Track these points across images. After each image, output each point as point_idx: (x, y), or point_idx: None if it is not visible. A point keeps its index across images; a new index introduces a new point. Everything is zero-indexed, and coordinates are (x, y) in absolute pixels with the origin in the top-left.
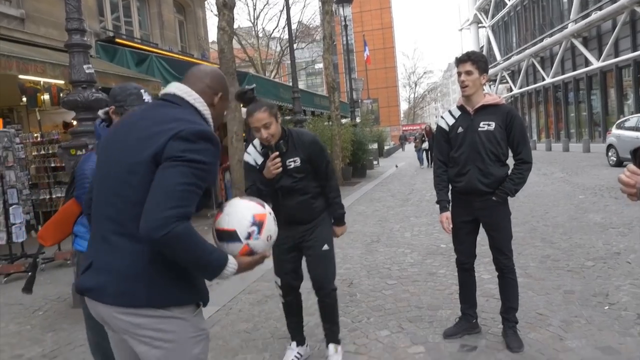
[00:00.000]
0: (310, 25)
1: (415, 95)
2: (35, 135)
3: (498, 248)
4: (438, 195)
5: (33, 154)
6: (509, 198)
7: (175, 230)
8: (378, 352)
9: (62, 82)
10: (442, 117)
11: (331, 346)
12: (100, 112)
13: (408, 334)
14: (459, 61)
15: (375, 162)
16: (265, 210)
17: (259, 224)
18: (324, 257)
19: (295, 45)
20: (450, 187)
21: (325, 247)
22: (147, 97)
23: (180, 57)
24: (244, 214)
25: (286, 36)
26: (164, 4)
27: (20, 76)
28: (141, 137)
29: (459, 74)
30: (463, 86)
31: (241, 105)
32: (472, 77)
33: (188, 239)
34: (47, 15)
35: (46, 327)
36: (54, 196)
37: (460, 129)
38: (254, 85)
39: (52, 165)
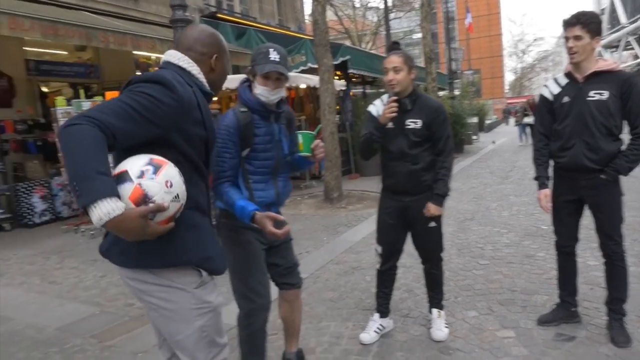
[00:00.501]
0: None
1: (523, 65)
2: None
3: (605, 232)
4: (537, 171)
5: None
6: (621, 177)
7: (76, 126)
8: (464, 332)
9: None
10: (545, 85)
11: (434, 311)
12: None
13: (498, 316)
14: (567, 24)
15: (474, 137)
16: (166, 160)
17: (155, 165)
18: (430, 233)
19: (392, 15)
20: (552, 162)
21: (433, 224)
22: (273, 56)
23: (277, 30)
24: (140, 157)
25: (382, 5)
26: None
27: (134, 52)
28: None
29: (567, 39)
30: (571, 53)
31: (333, 78)
32: (581, 42)
33: (82, 139)
34: None
35: None
36: None
37: (566, 99)
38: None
39: None
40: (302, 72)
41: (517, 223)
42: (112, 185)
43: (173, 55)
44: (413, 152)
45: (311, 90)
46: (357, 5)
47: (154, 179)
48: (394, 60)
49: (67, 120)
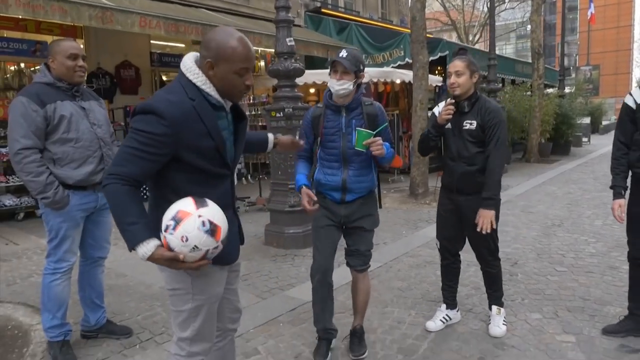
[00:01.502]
0: None
1: None
2: (249, 97)
3: None
4: (613, 180)
5: (246, 113)
6: None
7: (108, 187)
8: (523, 332)
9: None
10: (630, 93)
11: (494, 307)
12: None
13: (562, 322)
14: None
15: (584, 139)
16: (192, 211)
17: (177, 220)
18: (481, 236)
19: (505, 5)
20: (630, 172)
21: (485, 229)
22: (342, 53)
23: (379, 24)
24: (173, 207)
25: None
26: None
27: None
28: None
29: None
30: None
31: (427, 75)
32: None
33: (114, 199)
34: None
35: (241, 257)
36: None
37: None
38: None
39: (261, 124)
40: (400, 66)
41: (609, 233)
42: (141, 233)
43: (184, 65)
44: (469, 152)
45: (407, 85)
46: None
47: (172, 234)
48: (457, 64)
49: (103, 178)
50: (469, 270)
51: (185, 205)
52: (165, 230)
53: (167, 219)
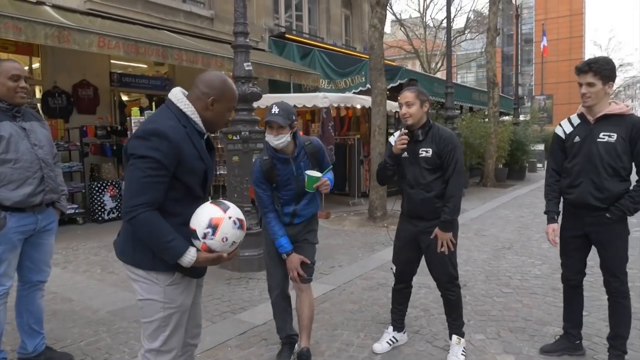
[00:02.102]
0: (484, 13)
1: None
2: None
3: (608, 268)
4: (547, 205)
5: None
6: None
7: (138, 217)
8: (466, 353)
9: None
10: (560, 124)
11: (454, 337)
12: None
13: (503, 342)
14: (579, 71)
15: (539, 165)
16: (223, 215)
17: (213, 227)
18: (441, 259)
19: (465, 36)
20: (562, 198)
21: (444, 250)
22: (274, 110)
23: (343, 50)
24: (202, 217)
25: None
26: (332, 0)
27: (208, 69)
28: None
29: (580, 85)
30: (584, 98)
31: (385, 101)
32: (594, 88)
33: (147, 225)
34: (231, 15)
35: None
36: (218, 172)
37: (577, 139)
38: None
39: (219, 146)
40: (362, 92)
41: (555, 256)
42: (181, 246)
43: (174, 95)
44: (426, 180)
45: (367, 111)
46: (430, 24)
47: (213, 239)
48: (407, 95)
49: (125, 212)
50: (420, 292)
51: (212, 212)
52: (205, 237)
53: (202, 227)
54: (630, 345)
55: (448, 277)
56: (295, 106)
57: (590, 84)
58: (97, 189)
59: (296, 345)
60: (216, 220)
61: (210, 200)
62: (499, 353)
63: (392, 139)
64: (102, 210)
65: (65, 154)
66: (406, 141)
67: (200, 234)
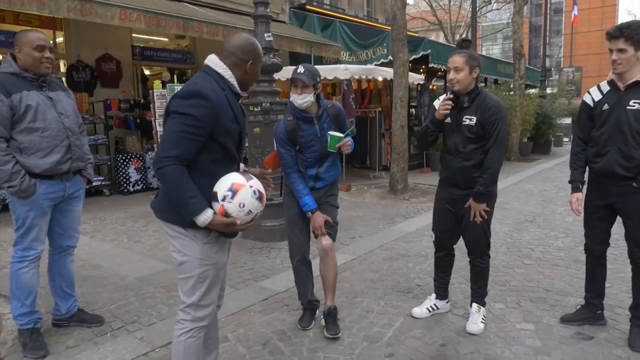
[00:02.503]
0: None
1: None
2: None
3: (634, 239)
4: (571, 175)
5: None
6: None
7: (165, 169)
8: (485, 321)
9: None
10: (588, 92)
11: (474, 305)
12: None
13: (523, 311)
14: (610, 37)
15: (566, 139)
16: (245, 183)
17: (233, 191)
18: (475, 227)
19: (491, 6)
20: (587, 168)
21: (478, 218)
22: (299, 69)
23: (364, 22)
24: (225, 181)
25: None
26: None
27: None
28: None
29: (610, 51)
30: (615, 65)
31: (407, 73)
32: (625, 55)
33: (172, 178)
34: None
35: None
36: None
37: (605, 106)
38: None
39: None
40: (384, 64)
41: (579, 229)
42: (201, 203)
43: (212, 61)
44: (466, 149)
45: (389, 83)
46: None
47: (231, 202)
48: (456, 60)
49: (155, 161)
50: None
51: (235, 178)
52: (224, 200)
53: (223, 190)
54: None
55: (480, 246)
56: (331, 79)
57: (621, 50)
58: (122, 161)
59: (317, 311)
60: (237, 185)
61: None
62: (519, 322)
63: (436, 103)
64: (128, 182)
65: (91, 127)
66: (450, 106)
67: (220, 196)
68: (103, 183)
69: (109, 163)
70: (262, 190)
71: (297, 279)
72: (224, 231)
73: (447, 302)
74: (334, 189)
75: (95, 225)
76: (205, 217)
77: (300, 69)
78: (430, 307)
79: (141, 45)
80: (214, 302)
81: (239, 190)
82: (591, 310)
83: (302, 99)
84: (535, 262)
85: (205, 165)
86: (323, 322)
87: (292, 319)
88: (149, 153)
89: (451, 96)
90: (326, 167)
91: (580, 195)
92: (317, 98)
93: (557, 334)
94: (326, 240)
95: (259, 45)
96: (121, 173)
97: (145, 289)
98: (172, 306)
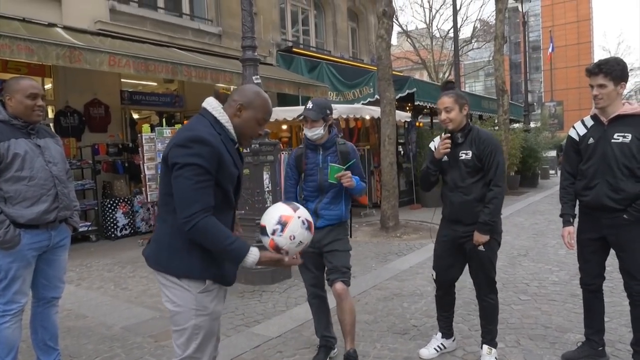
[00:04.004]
0: (490, 22)
1: None
2: None
3: (628, 271)
4: (562, 209)
5: None
6: None
7: (197, 225)
8: None
9: None
10: (573, 127)
11: (485, 347)
12: None
13: (523, 350)
14: (590, 73)
15: (552, 172)
16: (293, 214)
17: (283, 224)
18: (482, 263)
19: (472, 45)
20: (577, 201)
21: (482, 248)
22: (309, 106)
23: (350, 62)
24: (273, 214)
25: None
26: (338, 14)
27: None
28: (171, 141)
29: (591, 87)
30: (597, 100)
31: (394, 111)
32: (606, 90)
33: (207, 231)
34: (239, 31)
35: None
36: None
37: (591, 140)
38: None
39: None
40: (370, 103)
41: (572, 262)
42: (243, 247)
43: (209, 104)
44: (465, 182)
45: (376, 121)
46: (437, 35)
47: (281, 236)
48: (445, 101)
49: (184, 222)
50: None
51: (282, 210)
52: (273, 234)
53: (271, 223)
54: None
55: (488, 282)
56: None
57: (601, 86)
58: (109, 206)
59: (333, 350)
60: (286, 217)
61: (282, 200)
62: None
63: (432, 145)
64: (115, 227)
65: (78, 172)
66: (449, 145)
67: (269, 230)
68: (90, 229)
69: (96, 208)
70: (310, 218)
71: (313, 312)
72: (274, 266)
73: (453, 341)
74: (340, 232)
75: (81, 272)
76: (252, 257)
77: (309, 105)
78: (438, 346)
79: (130, 90)
80: (212, 353)
81: (288, 223)
82: (592, 347)
83: (312, 132)
84: (532, 297)
85: None
86: None
87: None
88: (137, 197)
89: (449, 135)
90: (325, 204)
91: (572, 229)
92: (329, 129)
93: None
94: (340, 286)
95: (262, 97)
96: (109, 218)
97: (133, 339)
98: (161, 357)
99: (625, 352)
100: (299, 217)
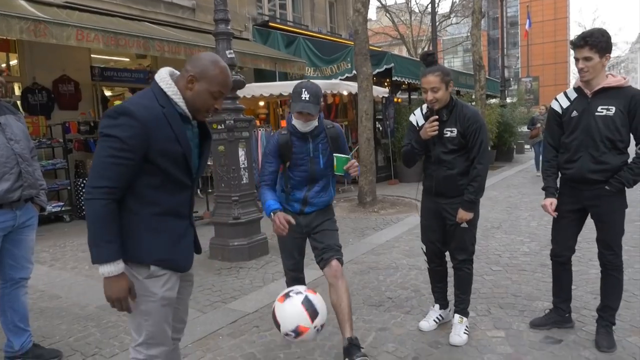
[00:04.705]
0: None
1: None
2: None
3: (605, 241)
4: (545, 182)
5: None
6: (627, 191)
7: (92, 201)
8: (468, 332)
9: None
10: (556, 99)
11: (457, 316)
12: None
13: (493, 318)
14: (575, 46)
15: (527, 147)
16: (310, 325)
17: (297, 332)
18: (460, 231)
19: (450, 20)
20: (560, 174)
21: (464, 224)
22: (304, 96)
23: (328, 37)
24: (292, 320)
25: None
26: None
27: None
28: None
29: (577, 60)
30: (582, 73)
31: (372, 86)
32: (591, 62)
33: (98, 213)
34: (212, 5)
35: None
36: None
37: (574, 113)
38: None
39: None
40: (348, 78)
41: (543, 233)
42: (114, 252)
43: (159, 74)
44: (449, 157)
45: (354, 97)
46: (415, 10)
47: (292, 339)
48: (431, 80)
49: (86, 190)
50: (410, 273)
51: (302, 318)
52: (286, 335)
53: (286, 327)
54: (618, 316)
55: (466, 252)
56: (281, 94)
57: (587, 58)
58: (82, 185)
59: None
60: (302, 329)
61: (302, 299)
62: (489, 329)
63: (413, 118)
64: None
65: (49, 151)
66: (437, 128)
67: (282, 331)
68: (63, 209)
69: (69, 188)
70: (325, 320)
71: None
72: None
73: (449, 311)
74: (328, 212)
75: (54, 253)
76: (111, 268)
77: (305, 95)
78: (437, 318)
79: (101, 66)
80: (166, 341)
81: (303, 334)
82: (559, 314)
83: (308, 126)
84: (503, 268)
85: (143, 191)
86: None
87: (262, 341)
88: None
89: (436, 117)
90: (316, 192)
91: (554, 200)
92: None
93: (527, 339)
94: (337, 263)
95: (216, 68)
96: (82, 197)
97: (107, 317)
98: None
99: (589, 318)
100: (314, 327)
